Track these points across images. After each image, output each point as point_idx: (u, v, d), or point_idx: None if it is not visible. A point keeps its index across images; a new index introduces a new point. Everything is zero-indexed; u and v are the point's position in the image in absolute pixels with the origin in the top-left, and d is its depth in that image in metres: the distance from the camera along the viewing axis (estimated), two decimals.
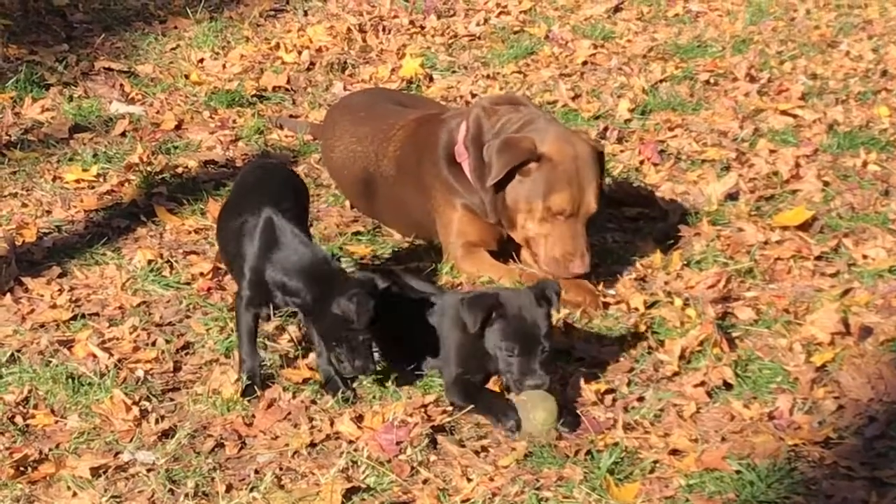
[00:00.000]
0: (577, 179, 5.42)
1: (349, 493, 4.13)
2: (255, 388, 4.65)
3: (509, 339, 4.51)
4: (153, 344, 4.99)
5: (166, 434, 4.44)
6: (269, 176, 5.04)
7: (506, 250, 5.73)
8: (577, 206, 5.43)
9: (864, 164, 6.92)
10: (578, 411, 4.62)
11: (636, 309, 5.33)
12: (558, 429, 4.48)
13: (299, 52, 8.24)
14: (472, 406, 4.56)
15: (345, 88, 7.78)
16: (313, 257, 4.61)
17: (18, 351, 4.92)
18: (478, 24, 8.96)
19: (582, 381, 4.77)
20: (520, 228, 5.53)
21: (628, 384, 4.85)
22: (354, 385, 4.73)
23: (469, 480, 4.23)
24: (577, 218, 5.44)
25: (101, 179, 6.39)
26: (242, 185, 5.05)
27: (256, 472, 4.27)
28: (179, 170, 6.54)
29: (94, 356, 4.86)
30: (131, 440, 4.40)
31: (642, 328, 5.18)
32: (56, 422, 4.52)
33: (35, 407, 4.58)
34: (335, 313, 4.48)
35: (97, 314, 5.22)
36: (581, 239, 5.43)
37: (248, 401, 4.61)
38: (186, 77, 7.77)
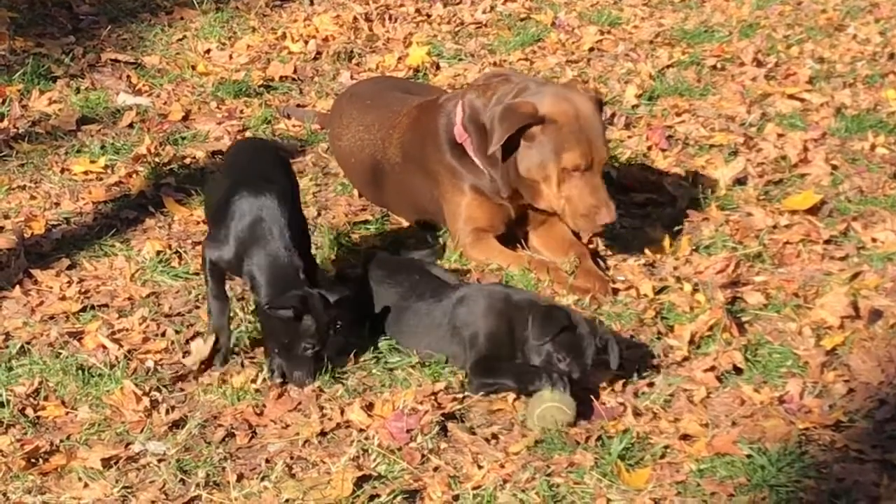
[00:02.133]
0: (584, 134, 5.43)
1: (360, 482, 4.13)
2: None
3: (567, 350, 4.52)
4: (163, 334, 5.00)
5: (177, 424, 4.45)
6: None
7: (514, 237, 5.74)
8: (589, 159, 5.43)
9: (873, 147, 6.90)
10: (590, 397, 4.62)
11: (645, 295, 5.32)
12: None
13: (306, 42, 8.23)
14: (495, 381, 4.59)
15: (351, 77, 7.77)
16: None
17: (28, 343, 4.92)
18: (484, 12, 8.94)
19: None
20: (543, 197, 5.54)
21: (638, 370, 4.84)
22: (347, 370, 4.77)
23: (480, 467, 4.23)
24: (592, 171, 5.45)
25: (109, 171, 6.39)
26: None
27: (267, 461, 4.28)
28: (187, 160, 6.53)
29: (104, 347, 4.87)
30: (142, 431, 4.41)
31: (652, 314, 5.18)
32: (67, 413, 4.53)
33: (46, 398, 4.59)
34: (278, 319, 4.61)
35: (106, 305, 5.23)
36: (601, 190, 5.45)
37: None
38: (193, 68, 7.77)
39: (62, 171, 6.38)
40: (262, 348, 4.83)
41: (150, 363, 4.79)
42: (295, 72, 7.82)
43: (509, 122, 5.42)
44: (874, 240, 5.86)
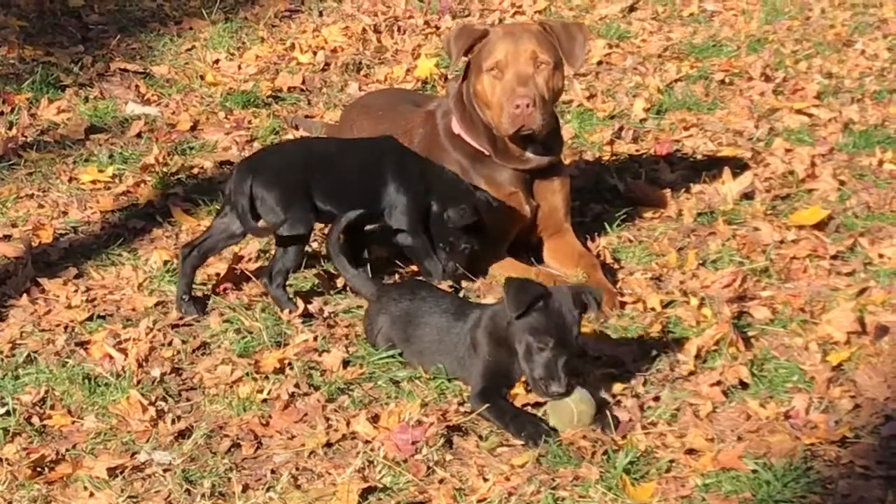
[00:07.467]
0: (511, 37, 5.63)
1: (365, 493, 4.13)
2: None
3: (544, 332, 4.47)
4: (169, 344, 5.00)
5: (183, 434, 4.45)
6: None
7: (524, 248, 5.74)
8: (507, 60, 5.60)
9: (880, 162, 6.90)
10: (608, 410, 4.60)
11: (652, 308, 5.32)
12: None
13: (314, 53, 8.25)
14: (497, 419, 4.54)
15: (360, 89, 7.79)
16: None
17: (35, 352, 4.93)
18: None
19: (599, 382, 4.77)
20: (491, 106, 5.63)
21: (644, 384, 4.84)
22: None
23: (485, 480, 4.23)
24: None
25: (116, 180, 6.41)
26: None
27: (273, 472, 4.28)
28: (195, 170, 6.55)
29: (111, 357, 4.87)
30: (148, 440, 4.41)
31: (658, 327, 5.18)
32: (73, 422, 4.53)
33: (52, 407, 4.60)
34: None
35: (113, 315, 5.24)
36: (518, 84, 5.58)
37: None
38: (202, 78, 7.79)
39: (70, 179, 6.40)
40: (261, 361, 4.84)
41: (156, 373, 4.79)
42: (303, 83, 7.84)
43: (462, 37, 5.73)
44: (881, 255, 5.86)
